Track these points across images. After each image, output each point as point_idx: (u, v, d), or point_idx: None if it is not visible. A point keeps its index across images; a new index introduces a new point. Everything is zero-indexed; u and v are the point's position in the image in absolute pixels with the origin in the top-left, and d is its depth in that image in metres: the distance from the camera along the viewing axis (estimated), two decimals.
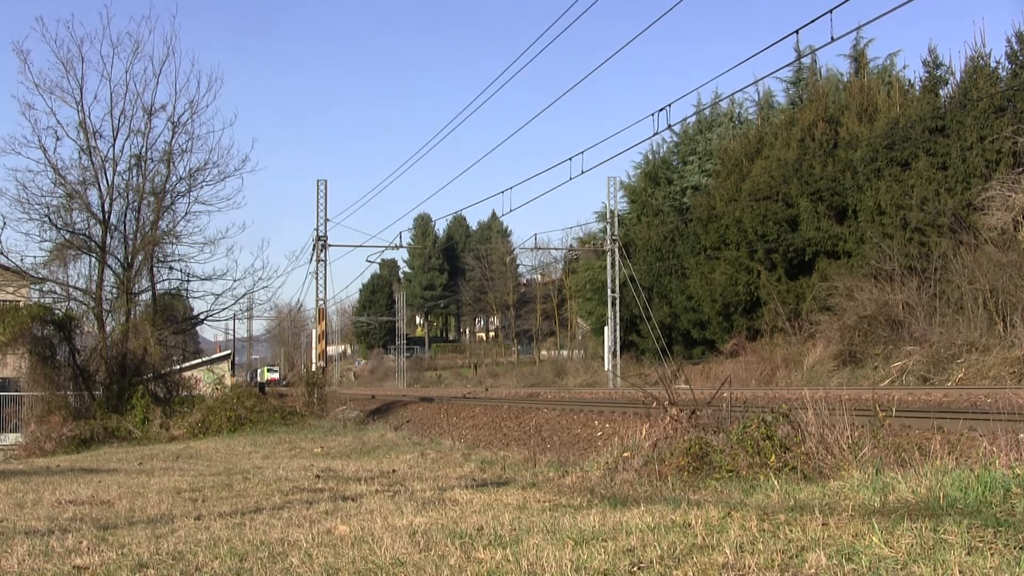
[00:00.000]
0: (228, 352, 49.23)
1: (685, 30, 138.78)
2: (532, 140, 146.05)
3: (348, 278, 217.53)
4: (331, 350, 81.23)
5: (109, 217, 25.11)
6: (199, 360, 39.17)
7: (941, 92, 32.58)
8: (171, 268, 27.49)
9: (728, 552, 4.38)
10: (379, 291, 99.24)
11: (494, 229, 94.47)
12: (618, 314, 42.13)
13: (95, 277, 25.42)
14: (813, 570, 4.01)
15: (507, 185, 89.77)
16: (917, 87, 34.04)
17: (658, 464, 8.07)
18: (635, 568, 4.31)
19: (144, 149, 25.76)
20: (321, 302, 33.70)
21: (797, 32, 14.28)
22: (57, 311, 23.96)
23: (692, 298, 41.39)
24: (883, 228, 30.80)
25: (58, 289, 25.63)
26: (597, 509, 6.37)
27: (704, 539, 4.77)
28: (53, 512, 7.90)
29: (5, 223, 24.28)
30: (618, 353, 41.96)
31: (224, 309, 28.16)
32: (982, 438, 6.87)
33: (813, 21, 13.07)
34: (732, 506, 5.72)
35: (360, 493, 8.62)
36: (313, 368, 33.58)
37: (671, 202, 47.50)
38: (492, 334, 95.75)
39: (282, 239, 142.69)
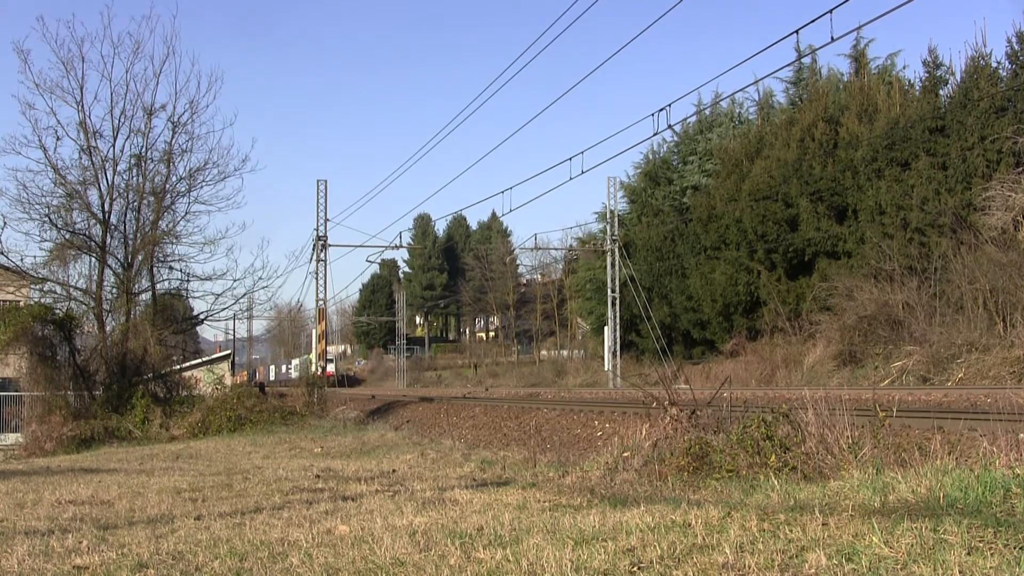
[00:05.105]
0: (228, 352, 49.24)
1: (685, 30, 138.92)
2: (532, 140, 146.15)
3: (348, 278, 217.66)
4: (331, 350, 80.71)
5: (109, 217, 25.12)
6: (199, 360, 39.15)
7: (941, 92, 32.55)
8: (171, 268, 27.52)
9: (728, 552, 4.38)
10: (379, 291, 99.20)
11: (494, 229, 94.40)
12: (618, 314, 42.13)
13: (95, 277, 25.43)
14: (813, 570, 4.01)
15: (507, 185, 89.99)
16: (917, 87, 34.00)
17: (658, 464, 8.07)
18: (635, 568, 4.31)
19: (144, 149, 25.79)
20: (321, 302, 33.71)
21: (797, 32, 14.27)
22: (57, 311, 23.94)
23: (692, 298, 41.38)
24: (883, 228, 30.79)
25: (58, 289, 25.65)
26: (597, 509, 6.37)
27: (704, 539, 4.77)
28: (53, 512, 7.90)
29: (5, 223, 24.30)
30: (618, 353, 41.96)
31: (224, 309, 28.18)
32: (982, 438, 6.88)
33: (813, 21, 13.09)
34: (732, 506, 5.72)
35: (360, 493, 8.62)
36: (313, 368, 33.58)
37: (671, 202, 47.48)
38: (492, 334, 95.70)
39: (282, 239, 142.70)
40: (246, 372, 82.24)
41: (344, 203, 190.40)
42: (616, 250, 41.87)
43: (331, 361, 76.32)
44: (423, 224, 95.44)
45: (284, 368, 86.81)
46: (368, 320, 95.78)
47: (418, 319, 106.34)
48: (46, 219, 24.73)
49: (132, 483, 10.66)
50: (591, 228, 57.95)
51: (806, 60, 40.93)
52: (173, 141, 26.11)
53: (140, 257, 26.06)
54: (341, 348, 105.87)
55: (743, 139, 42.84)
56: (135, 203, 25.91)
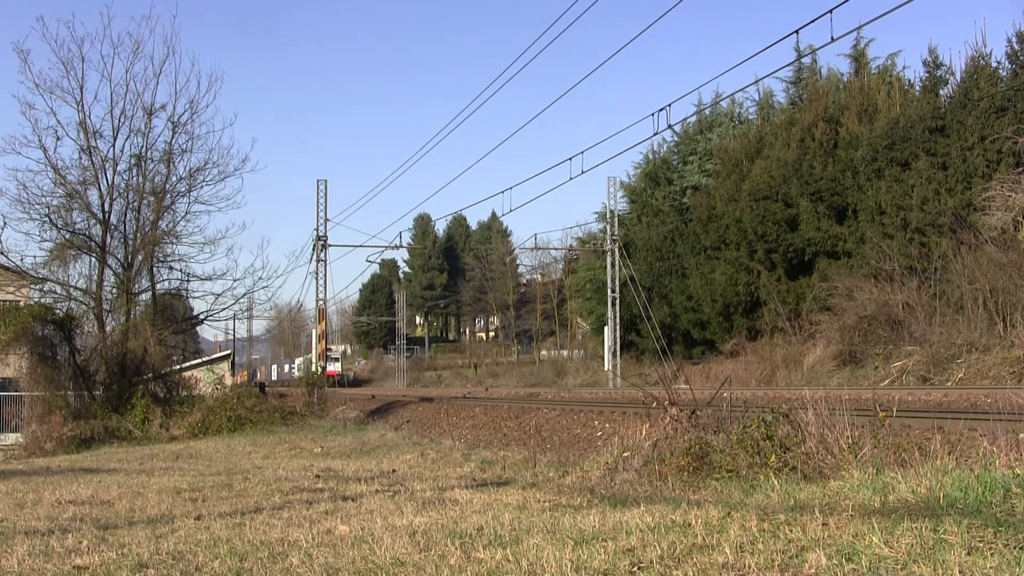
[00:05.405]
0: (228, 352, 49.25)
1: (685, 30, 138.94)
2: (532, 140, 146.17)
3: (348, 278, 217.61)
4: (334, 349, 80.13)
5: (109, 217, 25.12)
6: (199, 360, 39.16)
7: (941, 92, 32.55)
8: (171, 268, 27.53)
9: (728, 552, 4.38)
10: (379, 291, 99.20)
11: (494, 229, 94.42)
12: (618, 314, 42.14)
13: (95, 277, 25.44)
14: (813, 570, 4.01)
15: (507, 185, 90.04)
16: (917, 87, 34.01)
17: (658, 464, 8.07)
18: (635, 568, 4.31)
19: (144, 149, 25.80)
20: (321, 302, 33.72)
21: (797, 32, 14.28)
22: (57, 311, 23.95)
23: (692, 298, 41.39)
24: (883, 228, 30.79)
25: (58, 289, 25.65)
26: (597, 509, 6.37)
27: (704, 539, 4.77)
28: (53, 512, 7.90)
29: (5, 223, 24.29)
30: (618, 353, 41.96)
31: (224, 309, 28.19)
32: (982, 438, 6.87)
33: (813, 21, 13.10)
34: (732, 506, 5.72)
35: (360, 493, 8.62)
36: (313, 367, 33.60)
37: (671, 202, 47.49)
38: (492, 334, 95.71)
39: (282, 239, 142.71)
40: (246, 372, 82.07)
41: (344, 203, 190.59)
42: (616, 250, 41.87)
43: (336, 360, 74.76)
44: (423, 224, 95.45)
45: (287, 367, 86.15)
46: (368, 320, 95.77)
47: (418, 319, 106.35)
48: (46, 219, 24.77)
49: (132, 483, 10.66)
50: (591, 228, 58.03)
51: (806, 60, 40.96)
52: (173, 141, 26.16)
53: (140, 257, 26.07)
54: (341, 348, 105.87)
55: (743, 139, 42.84)
56: (135, 203, 25.94)
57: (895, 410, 8.35)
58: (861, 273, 30.48)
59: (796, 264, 36.53)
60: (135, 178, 25.94)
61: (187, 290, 29.01)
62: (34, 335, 22.88)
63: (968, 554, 3.99)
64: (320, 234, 33.15)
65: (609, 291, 42.33)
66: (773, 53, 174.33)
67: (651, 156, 50.01)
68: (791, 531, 4.74)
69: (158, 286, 27.27)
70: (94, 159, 24.91)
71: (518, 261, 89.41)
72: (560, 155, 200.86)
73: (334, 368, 70.12)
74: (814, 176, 34.88)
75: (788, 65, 45.96)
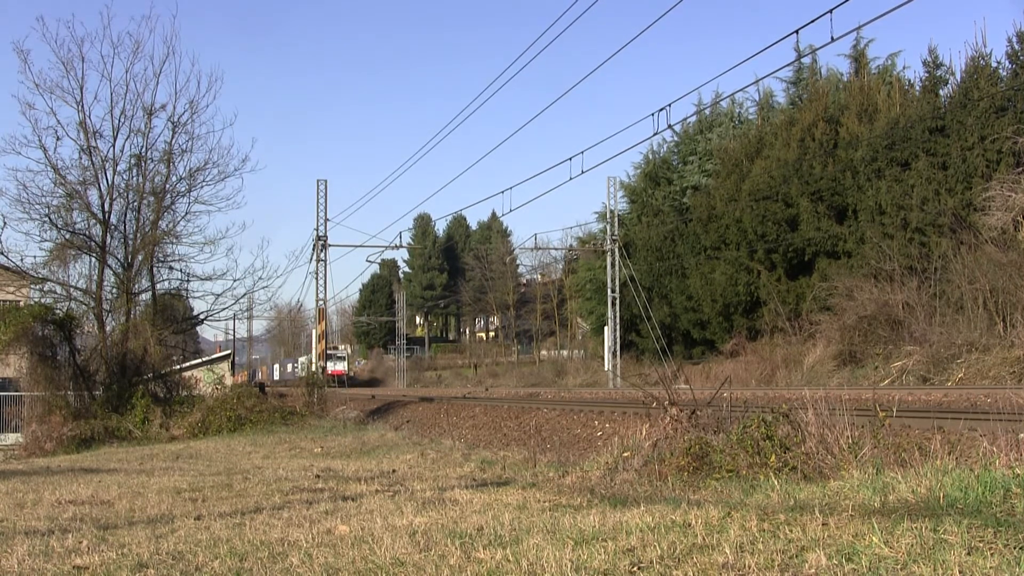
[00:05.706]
0: (228, 352, 49.26)
1: (685, 30, 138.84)
2: (532, 140, 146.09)
3: (348, 278, 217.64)
4: (338, 348, 79.82)
5: (109, 217, 25.12)
6: (199, 360, 39.16)
7: (941, 92, 32.56)
8: (171, 268, 27.53)
9: (728, 552, 4.38)
10: (379, 291, 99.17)
11: (494, 229, 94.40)
12: (618, 314, 42.14)
13: (95, 277, 25.44)
14: (813, 570, 4.01)
15: (507, 185, 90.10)
16: (917, 87, 34.02)
17: (658, 464, 8.07)
18: (635, 568, 4.31)
19: (144, 149, 25.80)
20: (321, 302, 33.73)
21: (797, 32, 14.30)
22: (57, 311, 23.95)
23: (692, 298, 41.39)
24: (883, 228, 30.80)
25: (58, 289, 25.65)
26: (597, 509, 6.37)
27: (704, 539, 4.77)
28: (53, 512, 7.91)
29: (5, 223, 24.26)
30: (618, 353, 41.96)
31: (224, 309, 28.19)
32: (982, 438, 6.87)
33: (813, 21, 13.11)
34: (732, 506, 5.72)
35: (360, 493, 8.63)
36: (313, 367, 33.61)
37: (671, 202, 47.49)
38: (492, 334, 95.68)
39: (282, 239, 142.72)
40: (246, 372, 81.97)
41: (344, 203, 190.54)
42: (616, 250, 41.87)
43: (341, 359, 74.02)
44: (423, 224, 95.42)
45: (289, 367, 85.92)
46: (368, 320, 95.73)
47: (418, 319, 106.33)
48: (46, 219, 24.77)
49: (132, 483, 10.66)
50: (591, 228, 57.99)
51: (806, 60, 40.96)
52: (173, 141, 26.15)
53: (140, 257, 26.07)
54: (341, 348, 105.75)
55: (743, 139, 42.84)
56: (135, 203, 25.94)
57: (895, 410, 8.36)
58: (861, 273, 30.49)
59: (796, 264, 36.53)
60: (135, 178, 25.98)
61: (187, 290, 29.04)
62: (34, 335, 22.88)
63: (968, 554, 3.99)
64: (320, 234, 33.17)
65: (609, 291, 42.33)
66: (773, 53, 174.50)
67: (651, 156, 50.02)
68: (791, 531, 4.74)
69: (158, 286, 27.30)
70: (94, 159, 24.94)
71: (518, 261, 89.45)
72: (560, 155, 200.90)
73: (340, 367, 69.67)
74: (814, 176, 34.88)
75: (788, 65, 46.00)
